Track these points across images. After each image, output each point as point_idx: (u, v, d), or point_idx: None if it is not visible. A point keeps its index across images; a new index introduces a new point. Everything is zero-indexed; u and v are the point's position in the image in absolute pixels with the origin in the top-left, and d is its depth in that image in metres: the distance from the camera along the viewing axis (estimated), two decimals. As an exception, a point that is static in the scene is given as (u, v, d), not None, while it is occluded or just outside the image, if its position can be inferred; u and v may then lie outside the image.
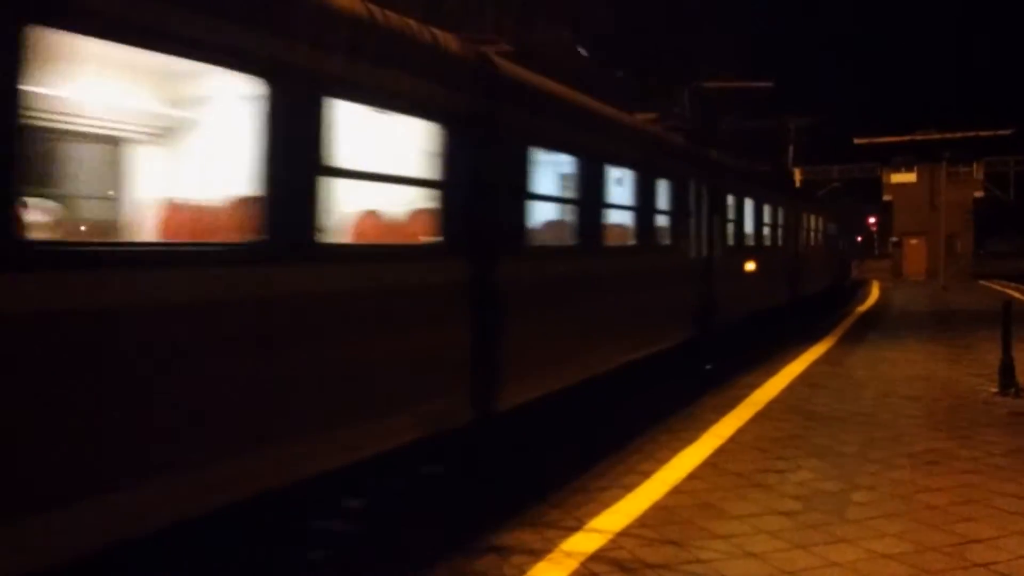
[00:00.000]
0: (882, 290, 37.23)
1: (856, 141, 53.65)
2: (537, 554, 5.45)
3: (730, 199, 15.48)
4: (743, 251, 16.49)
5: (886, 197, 55.66)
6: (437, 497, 7.16)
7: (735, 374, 12.70)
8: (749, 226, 17.14)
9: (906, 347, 16.28)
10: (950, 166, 48.27)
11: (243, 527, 4.94)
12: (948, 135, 48.95)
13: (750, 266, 16.98)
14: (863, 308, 27.10)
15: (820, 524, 6.01)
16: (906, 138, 51.37)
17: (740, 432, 8.83)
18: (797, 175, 57.69)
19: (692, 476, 7.21)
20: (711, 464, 7.59)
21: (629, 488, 6.83)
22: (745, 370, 13.05)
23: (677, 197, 12.20)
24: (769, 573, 5.16)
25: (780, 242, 20.58)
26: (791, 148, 54.48)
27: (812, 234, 25.89)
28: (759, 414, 9.74)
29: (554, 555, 5.43)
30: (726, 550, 5.51)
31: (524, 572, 5.17)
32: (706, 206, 13.75)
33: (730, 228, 15.45)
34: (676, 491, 6.78)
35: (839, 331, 19.40)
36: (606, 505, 6.40)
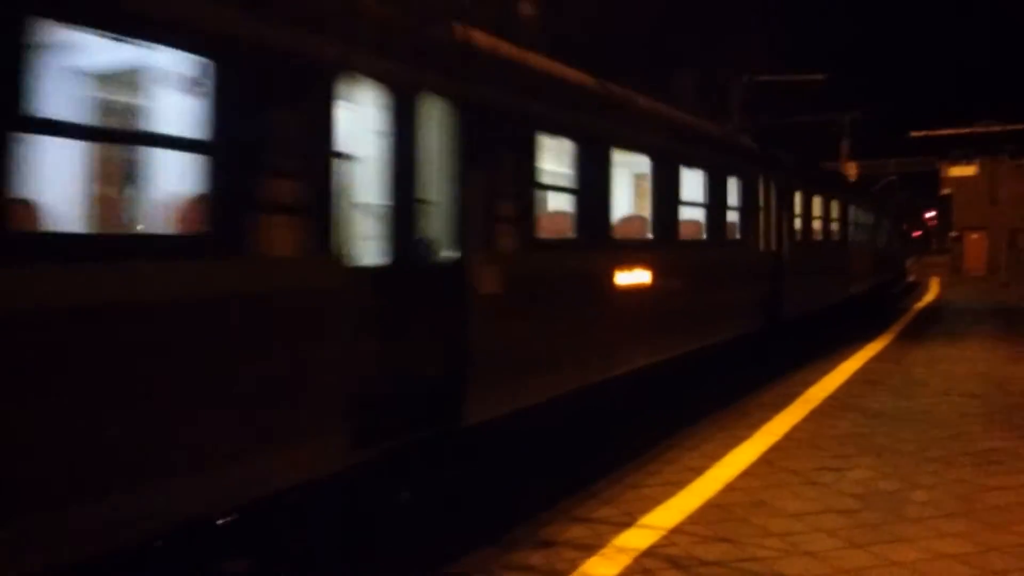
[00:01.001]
0: (941, 286, 36.45)
1: (913, 134, 52.58)
2: (589, 549, 5.43)
3: (797, 196, 15.80)
4: (808, 247, 16.61)
5: (945, 191, 54.52)
6: (489, 491, 7.18)
7: (790, 371, 12.53)
8: (813, 222, 17.25)
9: (965, 344, 15.91)
10: (1012, 158, 47.08)
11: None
12: (1010, 127, 47.72)
13: (814, 261, 17.05)
14: (921, 304, 26.56)
15: (878, 523, 5.90)
16: (966, 130, 50.20)
17: (795, 429, 8.70)
18: (852, 169, 56.74)
19: (746, 473, 7.12)
20: (766, 461, 7.49)
21: (681, 485, 6.77)
22: (800, 367, 12.87)
23: (746, 194, 12.81)
24: (826, 572, 5.07)
25: (838, 238, 20.27)
26: (846, 142, 53.56)
27: (861, 229, 24.50)
28: (815, 411, 9.60)
29: (606, 550, 5.41)
30: (782, 548, 5.43)
31: (576, 567, 5.16)
32: (774, 202, 14.19)
33: (796, 224, 15.73)
34: (730, 488, 6.71)
35: (897, 328, 19.03)
36: (658, 501, 6.36)
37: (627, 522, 5.92)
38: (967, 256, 51.45)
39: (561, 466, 7.84)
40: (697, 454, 7.73)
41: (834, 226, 19.48)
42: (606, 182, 8.53)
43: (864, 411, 9.61)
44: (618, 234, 9.02)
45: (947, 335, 17.56)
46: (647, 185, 9.93)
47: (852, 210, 22.02)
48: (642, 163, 9.78)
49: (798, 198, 15.82)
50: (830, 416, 9.35)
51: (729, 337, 11.94)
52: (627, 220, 9.97)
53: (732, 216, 12.23)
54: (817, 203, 17.56)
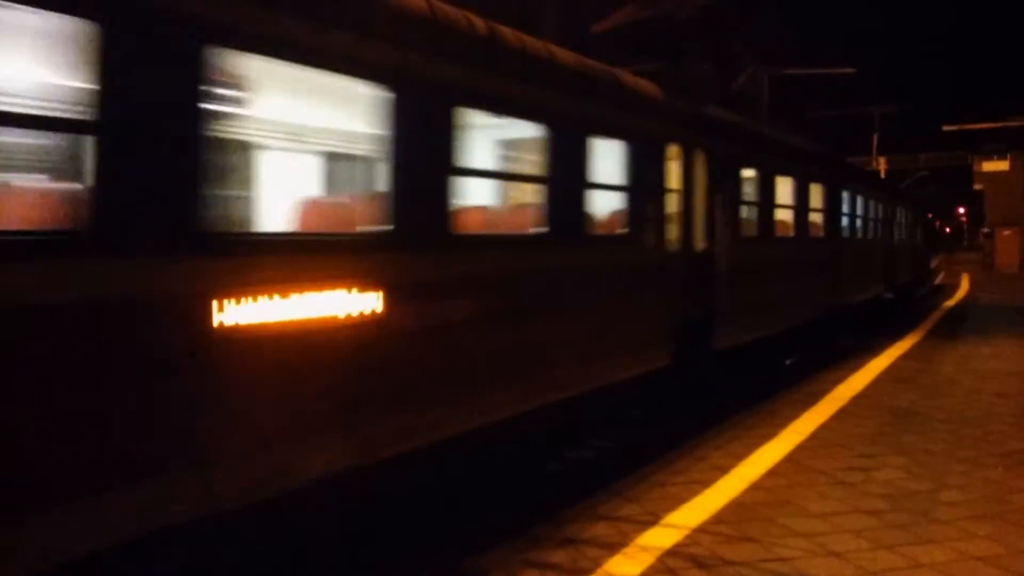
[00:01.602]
0: (972, 283, 35.99)
1: (945, 128, 51.89)
2: (612, 547, 5.40)
3: (748, 175, 12.10)
4: (765, 244, 12.85)
5: (977, 186, 53.75)
6: (512, 487, 7.18)
7: (816, 369, 12.41)
8: (778, 211, 13.49)
9: (997, 343, 15.68)
10: (1046, 154, 46.35)
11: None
12: (1044, 121, 46.98)
13: (777, 264, 13.31)
14: (951, 302, 26.22)
15: (907, 524, 5.82)
16: (998, 124, 49.43)
17: (822, 428, 8.61)
18: (882, 164, 56.18)
19: (772, 472, 7.06)
20: (792, 460, 7.42)
21: (706, 484, 6.72)
22: (826, 366, 12.74)
23: (640, 168, 8.89)
24: (853, 573, 5.01)
25: (824, 232, 16.20)
26: (876, 136, 53.03)
27: (864, 221, 20.30)
28: (842, 410, 9.49)
29: (629, 549, 5.38)
30: (808, 548, 5.38)
31: (599, 565, 5.13)
32: (703, 182, 10.45)
33: (745, 212, 12.06)
34: (755, 487, 6.65)
35: (926, 326, 18.80)
36: (682, 500, 6.31)
37: (651, 521, 5.89)
38: (998, 253, 50.71)
39: (587, 464, 7.82)
40: (722, 452, 7.67)
41: (816, 217, 15.54)
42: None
43: (893, 410, 9.50)
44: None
45: (977, 333, 17.31)
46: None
47: (847, 197, 18.29)
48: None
49: (749, 178, 12.12)
50: (858, 415, 9.25)
51: (609, 381, 8.29)
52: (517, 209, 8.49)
53: (610, 200, 8.63)
54: (785, 186, 13.78)
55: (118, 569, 4.00)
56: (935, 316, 21.20)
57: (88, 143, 3.91)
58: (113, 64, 3.91)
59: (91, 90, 3.86)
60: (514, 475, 7.49)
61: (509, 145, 9.22)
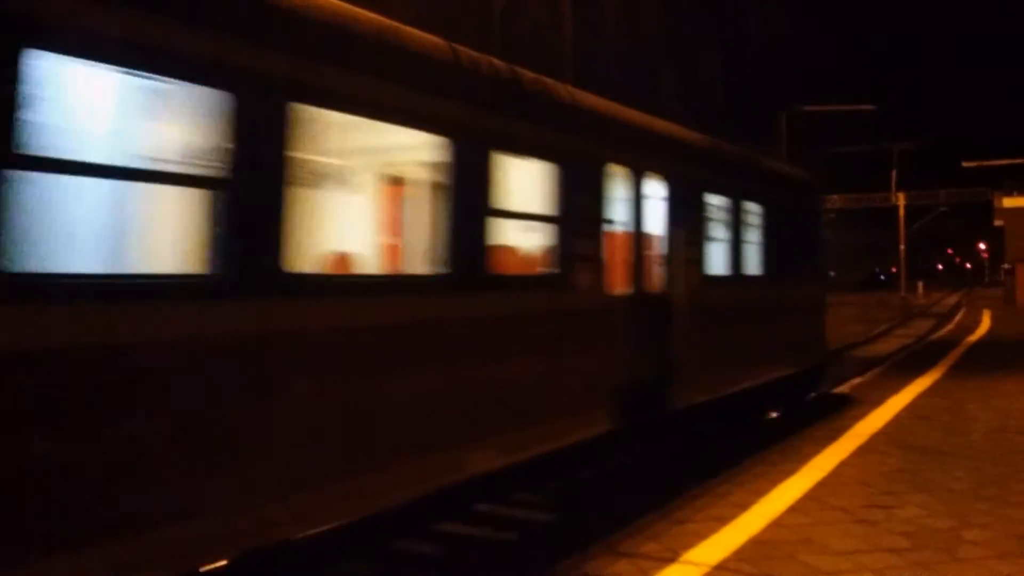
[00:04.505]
0: (993, 319, 35.67)
1: (964, 164, 51.78)
2: (632, 585, 5.37)
3: (712, 199, 10.34)
4: (744, 285, 11.25)
5: (997, 222, 53.46)
6: (531, 526, 7.16)
7: (836, 406, 12.32)
8: (755, 245, 11.79)
9: (1020, 379, 15.52)
10: (1067, 189, 46.13)
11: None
12: (1064, 157, 46.82)
13: (758, 308, 11.69)
14: (973, 338, 26.00)
15: (930, 563, 5.76)
16: (1019, 160, 49.29)
17: (843, 465, 8.55)
18: (901, 200, 56.04)
19: (792, 509, 7.01)
20: (813, 498, 7.37)
21: (725, 520, 6.68)
22: (847, 402, 12.65)
23: (553, 188, 7.36)
24: (875, 613, 4.96)
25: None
26: (894, 172, 52.96)
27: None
28: (863, 447, 9.42)
29: (649, 586, 5.35)
30: (829, 587, 5.33)
31: (619, 603, 5.10)
32: (657, 209, 9.08)
33: (715, 249, 10.48)
34: (775, 524, 6.60)
35: (948, 361, 18.65)
36: (702, 537, 6.28)
37: (670, 557, 5.85)
38: (1020, 289, 50.27)
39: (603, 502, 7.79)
40: (743, 489, 7.62)
41: (798, 253, 13.44)
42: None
43: (915, 447, 9.41)
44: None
45: (1000, 369, 17.15)
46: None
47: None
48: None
49: (717, 206, 10.50)
50: (880, 452, 9.17)
51: (503, 464, 6.74)
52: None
53: (526, 233, 7.63)
54: (760, 216, 11.80)
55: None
56: (958, 352, 21.02)
57: None
58: None
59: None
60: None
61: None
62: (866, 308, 52.39)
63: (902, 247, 59.85)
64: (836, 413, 11.63)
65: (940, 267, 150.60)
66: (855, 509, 7.01)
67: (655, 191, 8.89)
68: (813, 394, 14.38)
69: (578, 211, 7.53)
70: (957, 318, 39.01)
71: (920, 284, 72.85)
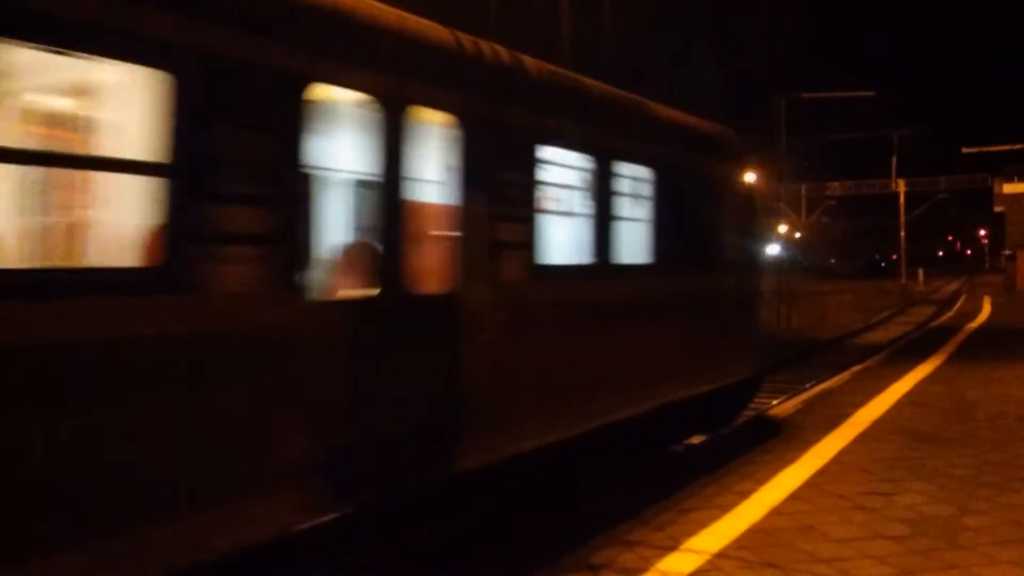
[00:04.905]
0: (993, 305, 35.69)
1: (965, 151, 51.71)
2: (631, 572, 5.39)
3: (548, 154, 7.06)
4: (573, 278, 7.50)
5: (997, 208, 53.52)
6: (532, 513, 7.17)
7: (835, 393, 12.34)
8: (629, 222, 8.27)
9: (1021, 366, 15.54)
10: (1067, 175, 46.07)
11: None
12: (1065, 143, 46.76)
13: (621, 312, 7.98)
14: (974, 325, 26.02)
15: (929, 549, 5.78)
16: (1019, 146, 49.22)
17: (843, 453, 8.56)
18: (901, 186, 55.97)
19: (793, 497, 7.02)
20: (813, 485, 7.38)
21: (726, 509, 6.70)
22: (846, 389, 12.68)
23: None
24: (875, 599, 4.98)
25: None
26: (894, 159, 52.87)
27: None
28: (863, 434, 9.44)
29: (650, 574, 5.37)
30: (830, 574, 5.34)
31: (620, 591, 5.12)
32: (434, 164, 6.11)
33: (554, 226, 7.30)
34: (776, 512, 6.62)
35: (948, 348, 18.67)
36: (703, 525, 6.30)
37: (672, 546, 5.87)
38: (1020, 275, 50.30)
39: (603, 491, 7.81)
40: (743, 477, 7.64)
41: (699, 232, 9.60)
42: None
43: (914, 434, 9.43)
44: None
45: (1000, 356, 17.17)
46: None
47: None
48: None
49: (558, 164, 7.22)
50: (879, 439, 9.19)
51: None
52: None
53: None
54: (632, 182, 8.37)
55: None
56: (958, 339, 21.03)
57: None
58: None
59: None
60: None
61: None
62: (866, 295, 52.43)
63: (902, 234, 59.83)
64: (836, 400, 11.62)
65: (940, 254, 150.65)
66: (855, 496, 7.03)
67: (432, 136, 5.95)
68: (737, 418, 11.11)
69: (225, 156, 4.40)
70: (957, 305, 39.03)
71: (920, 271, 72.87)
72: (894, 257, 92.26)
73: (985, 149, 51.60)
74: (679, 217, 8.89)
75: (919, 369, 14.93)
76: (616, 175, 7.95)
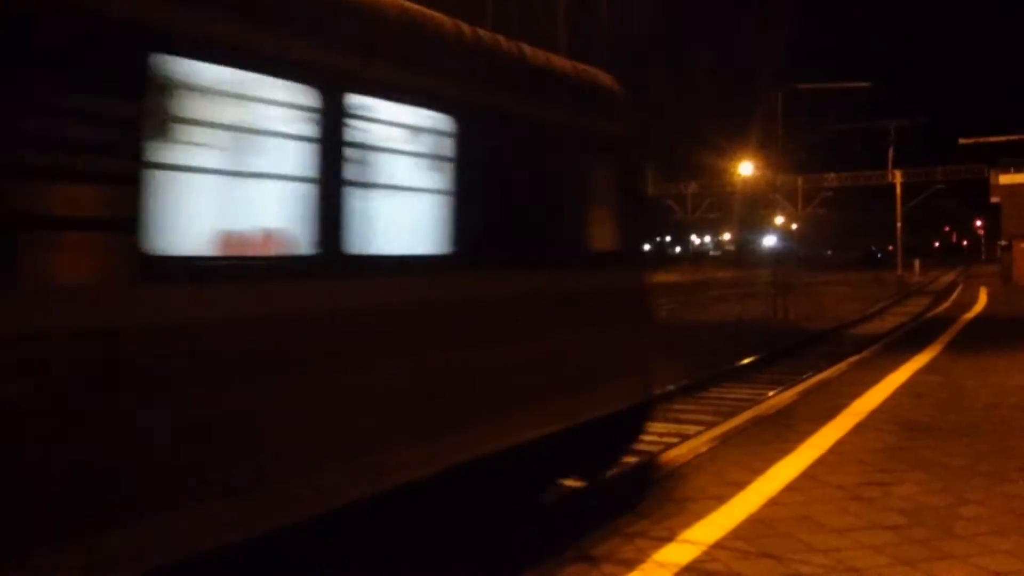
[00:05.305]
0: (990, 296, 35.72)
1: (961, 141, 51.67)
2: (629, 564, 5.38)
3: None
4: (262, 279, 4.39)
5: (994, 199, 53.47)
6: (527, 505, 7.16)
7: (832, 383, 12.34)
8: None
9: (1016, 356, 15.55)
10: (1063, 166, 46.08)
11: None
12: (1061, 133, 46.76)
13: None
14: (970, 315, 26.04)
15: (926, 539, 5.77)
16: (1016, 137, 49.20)
17: (840, 443, 8.56)
18: (898, 177, 55.97)
19: (789, 488, 7.01)
20: (809, 476, 7.38)
21: (723, 500, 6.69)
22: (843, 380, 12.68)
23: None
24: (872, 589, 4.97)
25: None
26: (891, 150, 52.85)
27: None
28: (860, 425, 9.43)
29: (646, 565, 5.36)
30: (827, 564, 5.34)
31: (616, 582, 5.11)
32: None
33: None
34: (773, 503, 6.61)
35: (945, 339, 18.68)
36: (699, 516, 6.28)
37: (668, 537, 5.86)
38: (1017, 265, 50.30)
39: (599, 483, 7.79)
40: (739, 468, 7.63)
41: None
42: None
43: (911, 424, 9.42)
44: None
45: (996, 347, 17.18)
46: None
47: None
48: None
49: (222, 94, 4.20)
50: (876, 429, 9.18)
51: None
52: None
53: None
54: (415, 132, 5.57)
55: None
56: (954, 329, 21.05)
57: None
58: None
59: None
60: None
61: None
62: (862, 286, 52.48)
63: (899, 225, 59.87)
64: (833, 391, 11.61)
65: (936, 245, 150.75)
66: (852, 487, 7.02)
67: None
68: (609, 461, 8.01)
69: None
70: (954, 296, 39.06)
71: (916, 262, 72.95)
72: (890, 248, 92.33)
73: (982, 140, 51.54)
74: (508, 191, 6.28)
75: (916, 359, 14.94)
76: (362, 117, 4.97)
